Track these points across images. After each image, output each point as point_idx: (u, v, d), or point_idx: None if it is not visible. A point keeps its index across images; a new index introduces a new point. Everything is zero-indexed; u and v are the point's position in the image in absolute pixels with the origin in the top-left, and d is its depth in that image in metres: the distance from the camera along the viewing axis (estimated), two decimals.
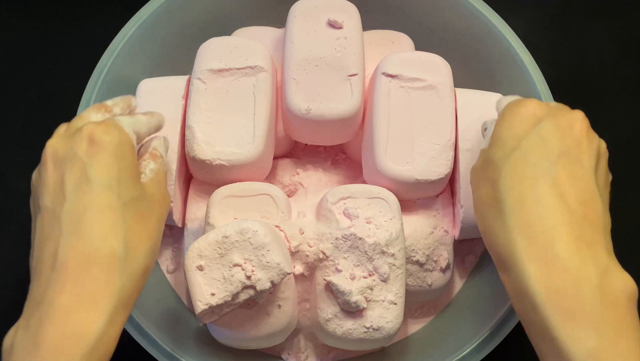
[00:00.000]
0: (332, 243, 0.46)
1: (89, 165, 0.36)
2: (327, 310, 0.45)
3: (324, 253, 0.45)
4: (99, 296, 0.34)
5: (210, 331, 0.48)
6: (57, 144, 0.38)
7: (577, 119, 0.38)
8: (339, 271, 0.45)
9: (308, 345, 0.51)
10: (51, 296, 0.34)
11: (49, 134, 0.62)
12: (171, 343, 0.48)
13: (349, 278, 0.45)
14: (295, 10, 0.52)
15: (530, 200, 0.35)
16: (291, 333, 0.49)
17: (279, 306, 0.45)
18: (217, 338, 0.48)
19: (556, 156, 0.36)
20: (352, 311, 0.44)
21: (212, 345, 0.49)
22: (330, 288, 0.45)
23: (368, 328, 0.45)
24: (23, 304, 0.62)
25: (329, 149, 0.57)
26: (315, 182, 0.54)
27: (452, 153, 0.50)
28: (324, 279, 0.45)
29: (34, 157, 0.62)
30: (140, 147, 0.43)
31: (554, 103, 0.41)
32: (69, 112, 0.53)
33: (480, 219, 0.39)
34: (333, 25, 0.51)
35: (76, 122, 0.40)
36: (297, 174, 0.55)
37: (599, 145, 0.39)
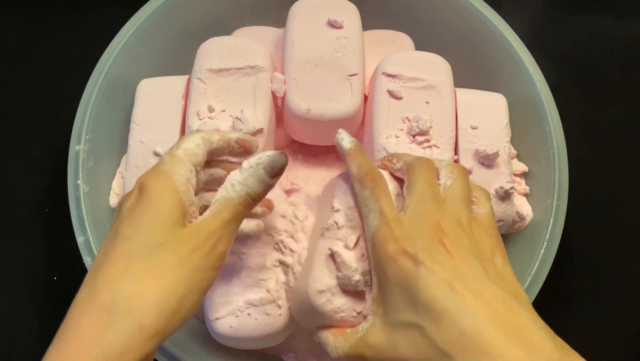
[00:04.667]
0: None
1: (123, 219, 0.35)
2: (322, 282, 0.42)
3: (336, 223, 0.43)
4: (80, 350, 0.31)
5: (210, 332, 0.48)
6: (125, 196, 0.37)
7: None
8: (347, 247, 0.42)
9: (308, 345, 0.51)
10: (53, 341, 0.32)
11: (49, 134, 0.63)
12: (171, 343, 0.48)
13: (356, 256, 0.42)
14: (295, 10, 0.52)
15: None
16: (291, 333, 0.49)
17: (279, 306, 0.45)
18: (216, 338, 0.48)
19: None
20: (349, 290, 0.41)
21: (212, 345, 0.49)
22: (333, 258, 0.42)
23: (358, 313, 0.42)
24: (23, 304, 0.62)
25: (329, 149, 0.57)
26: (315, 182, 0.54)
27: (452, 153, 0.50)
28: (330, 249, 0.42)
29: (34, 158, 0.63)
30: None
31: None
32: (68, 112, 0.53)
33: None
34: (333, 25, 0.51)
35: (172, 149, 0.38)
36: (297, 174, 0.55)
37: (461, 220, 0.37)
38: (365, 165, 0.40)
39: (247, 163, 0.38)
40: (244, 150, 0.42)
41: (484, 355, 0.30)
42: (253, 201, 0.38)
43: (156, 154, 0.50)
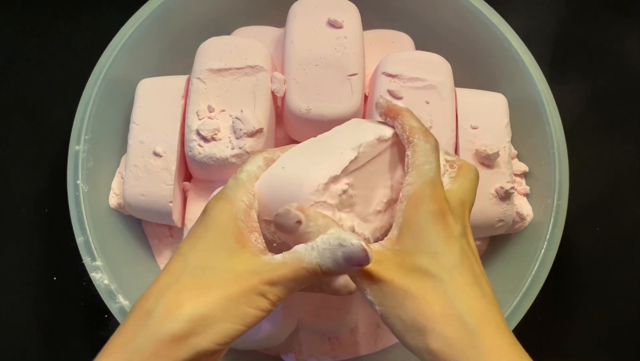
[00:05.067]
0: None
1: (185, 238, 0.36)
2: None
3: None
4: (116, 348, 0.33)
5: None
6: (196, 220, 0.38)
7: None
8: None
9: (308, 345, 0.51)
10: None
11: (49, 134, 0.63)
12: None
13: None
14: (295, 10, 0.52)
15: None
16: (291, 333, 0.49)
17: (279, 306, 0.45)
18: None
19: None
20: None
21: None
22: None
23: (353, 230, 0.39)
24: (23, 304, 0.62)
25: None
26: None
27: (452, 153, 0.50)
28: None
29: (34, 158, 0.63)
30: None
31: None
32: (68, 112, 0.53)
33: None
34: (333, 24, 0.51)
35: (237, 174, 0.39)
36: None
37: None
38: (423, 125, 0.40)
39: (331, 234, 0.34)
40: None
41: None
42: (322, 274, 0.34)
43: (156, 154, 0.50)
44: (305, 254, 0.34)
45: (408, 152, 0.38)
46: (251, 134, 0.48)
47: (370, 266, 0.34)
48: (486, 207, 0.50)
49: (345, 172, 0.37)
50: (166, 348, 0.32)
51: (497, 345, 0.33)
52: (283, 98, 0.51)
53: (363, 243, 0.33)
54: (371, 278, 0.35)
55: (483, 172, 0.50)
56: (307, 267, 0.34)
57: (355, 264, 0.34)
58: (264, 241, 0.37)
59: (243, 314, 0.33)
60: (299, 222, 0.35)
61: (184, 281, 0.34)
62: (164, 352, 0.32)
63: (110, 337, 0.33)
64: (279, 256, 0.34)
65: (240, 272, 0.34)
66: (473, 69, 0.57)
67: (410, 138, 0.39)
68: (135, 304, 0.34)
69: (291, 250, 0.34)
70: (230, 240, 0.35)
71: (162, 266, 0.55)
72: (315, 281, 0.35)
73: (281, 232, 0.36)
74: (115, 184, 0.54)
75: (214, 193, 0.41)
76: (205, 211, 0.37)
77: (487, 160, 0.50)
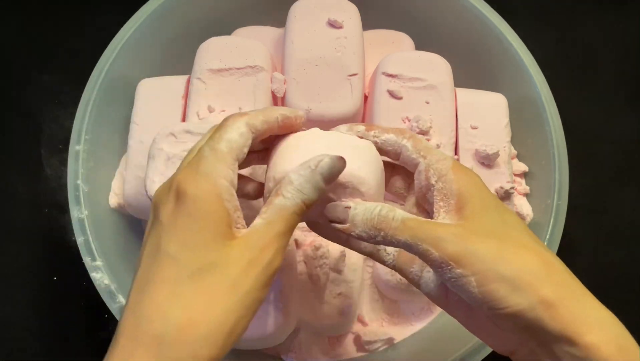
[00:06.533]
0: None
1: (164, 231, 0.31)
2: None
3: None
4: None
5: None
6: (161, 194, 0.33)
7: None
8: None
9: (308, 345, 0.51)
10: None
11: (49, 134, 0.63)
12: None
13: None
14: (295, 10, 0.52)
15: None
16: (291, 333, 0.49)
17: (279, 306, 0.45)
18: None
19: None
20: None
21: None
22: None
23: None
24: (23, 304, 0.62)
25: None
26: None
27: (452, 153, 0.50)
28: None
29: (34, 158, 0.63)
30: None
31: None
32: (68, 112, 0.53)
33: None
34: (333, 24, 0.51)
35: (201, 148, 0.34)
36: None
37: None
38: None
39: (303, 167, 0.33)
40: (289, 130, 0.37)
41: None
42: (307, 209, 0.33)
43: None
44: (284, 200, 0.32)
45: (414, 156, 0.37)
46: None
47: (451, 240, 0.32)
48: None
49: None
50: None
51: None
52: (283, 98, 0.51)
53: (332, 154, 0.33)
54: (457, 252, 0.32)
55: (483, 172, 0.50)
56: (293, 210, 0.32)
57: (336, 176, 0.33)
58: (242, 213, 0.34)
59: (254, 300, 0.31)
60: (348, 207, 0.34)
61: (186, 292, 0.30)
62: None
63: None
64: (262, 217, 0.32)
65: (240, 253, 0.31)
66: (473, 69, 0.57)
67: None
68: (130, 326, 0.30)
69: (269, 207, 0.32)
70: (221, 226, 0.31)
71: None
72: (301, 221, 0.34)
73: (333, 223, 0.35)
74: (115, 184, 0.54)
75: (183, 162, 0.35)
76: (180, 194, 0.31)
77: (487, 160, 0.50)
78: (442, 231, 0.33)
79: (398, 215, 0.34)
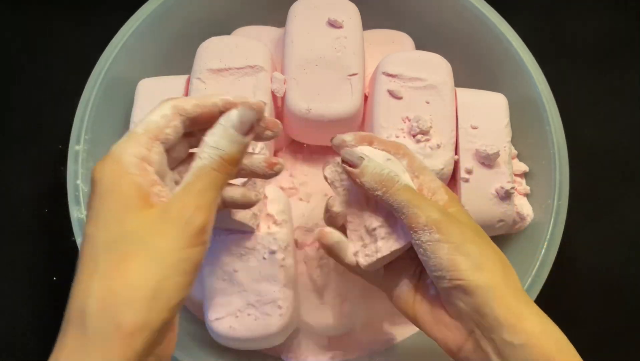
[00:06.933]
0: None
1: (86, 218, 0.32)
2: None
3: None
4: None
5: (210, 333, 0.48)
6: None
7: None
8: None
9: (308, 345, 0.51)
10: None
11: (49, 134, 0.63)
12: None
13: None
14: (295, 10, 0.52)
15: None
16: (291, 333, 0.49)
17: (279, 306, 0.45)
18: (216, 339, 0.47)
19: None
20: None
21: (212, 346, 0.49)
22: None
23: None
24: (23, 304, 0.62)
25: (329, 149, 0.57)
26: (315, 182, 0.54)
27: (452, 153, 0.50)
28: None
29: (34, 158, 0.63)
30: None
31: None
32: (68, 112, 0.53)
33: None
34: (333, 24, 0.51)
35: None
36: (295, 175, 0.55)
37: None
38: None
39: (215, 125, 0.34)
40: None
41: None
42: (230, 165, 0.34)
43: None
44: (202, 159, 0.33)
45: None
46: None
47: (439, 210, 0.38)
48: (486, 207, 0.50)
49: None
50: (118, 341, 0.29)
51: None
52: (283, 98, 0.51)
53: (244, 105, 0.34)
54: (440, 221, 0.38)
55: (483, 172, 0.50)
56: (212, 167, 0.33)
57: (251, 127, 0.34)
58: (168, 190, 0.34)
59: (179, 260, 0.31)
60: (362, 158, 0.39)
61: (103, 264, 0.30)
62: (118, 347, 0.29)
63: (52, 353, 0.30)
64: (181, 185, 0.33)
65: (156, 217, 0.31)
66: (473, 69, 0.57)
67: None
68: (67, 309, 0.30)
69: (189, 170, 0.33)
70: (133, 199, 0.31)
71: None
72: (228, 178, 0.34)
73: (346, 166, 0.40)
74: None
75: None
76: (92, 181, 0.32)
77: (487, 160, 0.50)
78: (433, 203, 0.39)
79: (402, 180, 0.39)
